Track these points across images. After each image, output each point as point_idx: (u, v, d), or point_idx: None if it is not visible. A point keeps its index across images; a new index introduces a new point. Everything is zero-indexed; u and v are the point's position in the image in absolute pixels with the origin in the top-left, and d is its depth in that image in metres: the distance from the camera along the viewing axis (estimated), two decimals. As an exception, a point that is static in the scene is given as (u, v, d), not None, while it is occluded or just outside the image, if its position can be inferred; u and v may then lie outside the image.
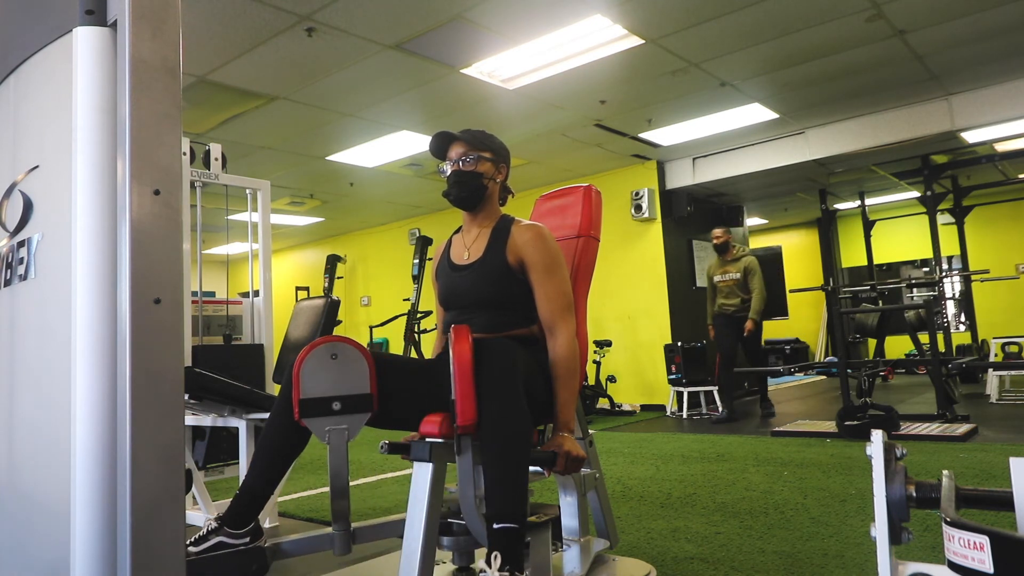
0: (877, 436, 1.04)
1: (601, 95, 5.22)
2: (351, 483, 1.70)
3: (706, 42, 4.39)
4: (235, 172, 4.40)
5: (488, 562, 1.42)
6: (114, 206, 1.21)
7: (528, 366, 1.71)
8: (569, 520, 1.88)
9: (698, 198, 7.52)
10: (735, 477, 3.47)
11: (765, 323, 10.38)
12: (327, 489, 3.64)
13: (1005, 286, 9.12)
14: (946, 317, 8.24)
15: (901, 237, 10.53)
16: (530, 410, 1.73)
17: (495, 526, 1.45)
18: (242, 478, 1.73)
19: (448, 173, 1.91)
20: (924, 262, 10.58)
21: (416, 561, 1.54)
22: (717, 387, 6.27)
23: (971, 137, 6.19)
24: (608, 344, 6.95)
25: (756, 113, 5.84)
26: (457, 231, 2.04)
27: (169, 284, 1.19)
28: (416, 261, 8.31)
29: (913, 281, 8.03)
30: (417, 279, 8.28)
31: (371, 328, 8.92)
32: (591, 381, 6.80)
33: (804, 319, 11.43)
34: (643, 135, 6.28)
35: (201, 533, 1.62)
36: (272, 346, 3.60)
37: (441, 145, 1.93)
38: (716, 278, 5.99)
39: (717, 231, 6.03)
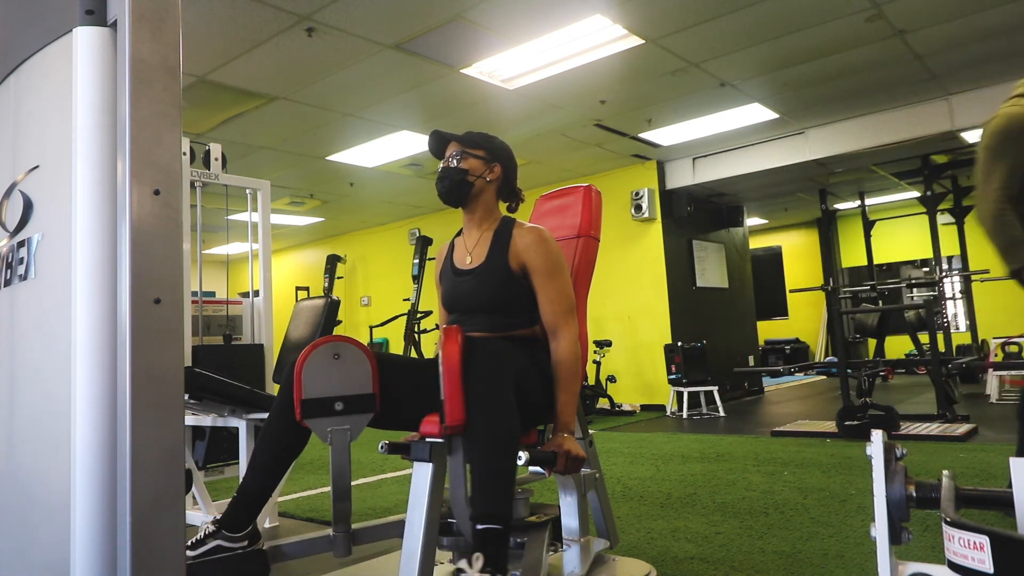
0: (877, 436, 1.04)
1: (601, 95, 5.22)
2: (351, 483, 1.70)
3: (706, 42, 4.39)
4: (235, 172, 4.40)
5: (470, 562, 1.41)
6: (114, 206, 1.21)
7: (523, 366, 1.71)
8: (569, 520, 1.88)
9: (698, 198, 7.51)
10: (735, 477, 3.47)
11: (762, 323, 10.45)
12: (327, 489, 3.64)
13: (1005, 286, 9.05)
14: (946, 317, 8.23)
15: (901, 237, 10.53)
16: (526, 410, 1.73)
17: (478, 527, 1.45)
18: (242, 478, 1.73)
19: None
20: (924, 262, 10.58)
21: (416, 561, 1.54)
22: None
23: (971, 137, 6.18)
24: (608, 344, 6.95)
25: (756, 113, 5.84)
26: (459, 233, 2.04)
27: (169, 284, 1.18)
28: (416, 261, 8.31)
29: (913, 281, 8.02)
30: (417, 279, 8.28)
31: (371, 328, 8.92)
32: (591, 381, 6.80)
33: (804, 319, 11.44)
34: (643, 135, 6.28)
35: (198, 536, 1.60)
36: (272, 346, 3.60)
37: (438, 144, 1.97)
38: None
39: None
